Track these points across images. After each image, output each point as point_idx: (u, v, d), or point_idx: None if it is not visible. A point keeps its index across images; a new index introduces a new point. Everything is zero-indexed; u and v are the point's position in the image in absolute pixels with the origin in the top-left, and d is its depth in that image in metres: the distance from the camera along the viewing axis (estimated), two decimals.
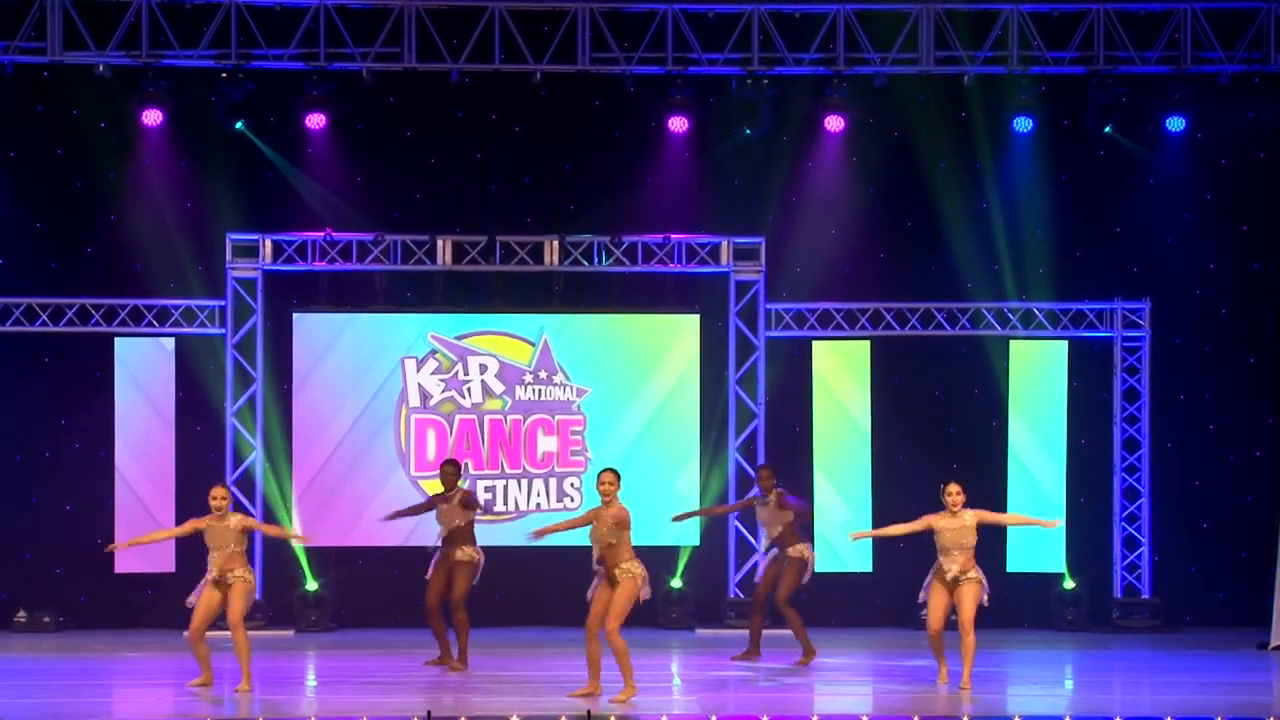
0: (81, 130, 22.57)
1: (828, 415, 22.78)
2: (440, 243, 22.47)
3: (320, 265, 22.47)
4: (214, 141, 22.59)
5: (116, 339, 22.31)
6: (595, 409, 22.70)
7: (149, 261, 22.66)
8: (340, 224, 22.65)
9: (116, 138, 22.64)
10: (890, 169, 23.24)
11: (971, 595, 16.91)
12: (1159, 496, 22.85)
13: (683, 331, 22.84)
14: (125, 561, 22.08)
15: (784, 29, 22.33)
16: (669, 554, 22.39)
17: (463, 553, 18.51)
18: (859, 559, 22.42)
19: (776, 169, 23.10)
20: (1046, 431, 22.74)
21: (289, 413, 22.59)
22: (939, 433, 22.86)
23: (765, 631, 19.47)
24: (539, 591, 22.39)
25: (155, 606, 22.39)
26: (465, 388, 22.66)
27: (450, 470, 18.81)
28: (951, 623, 17.17)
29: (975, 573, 16.94)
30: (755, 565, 22.49)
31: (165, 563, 21.81)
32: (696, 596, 22.77)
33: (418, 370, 22.62)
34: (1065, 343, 22.84)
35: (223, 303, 22.45)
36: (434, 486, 21.91)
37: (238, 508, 19.65)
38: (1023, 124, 22.63)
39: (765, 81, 22.29)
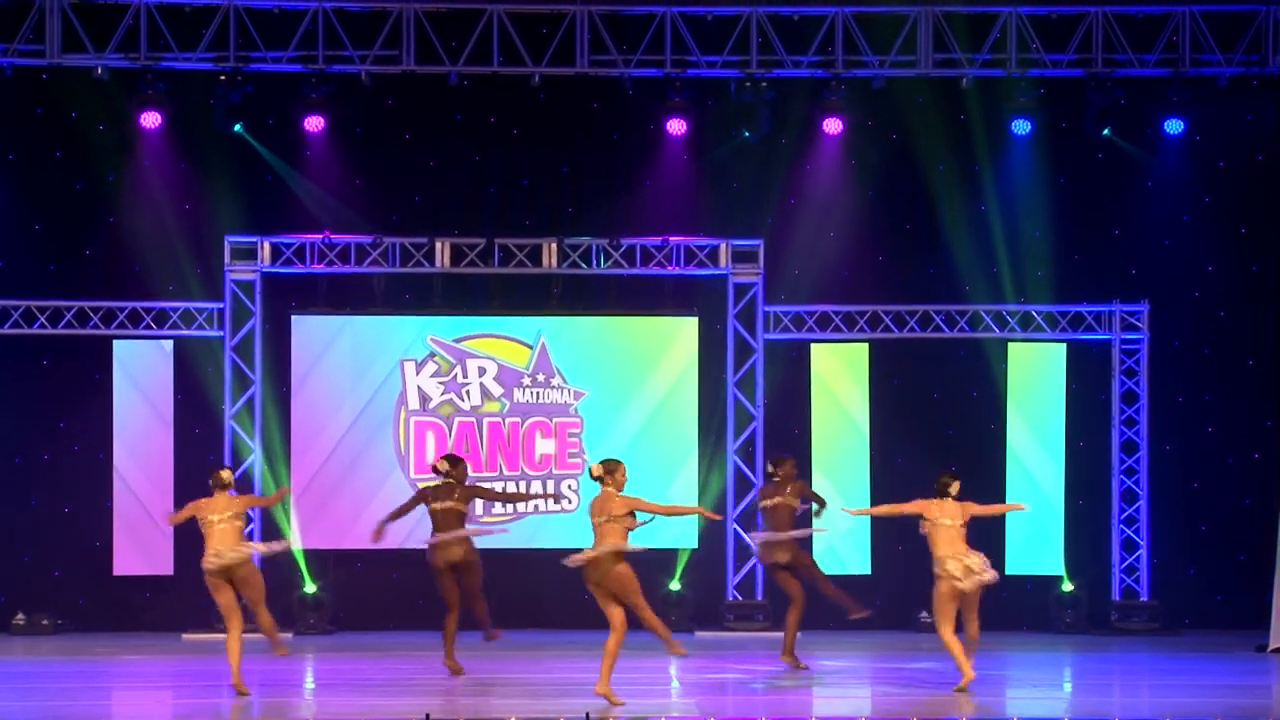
0: (80, 132, 22.57)
1: (826, 418, 22.79)
2: (439, 245, 22.48)
3: (319, 268, 22.48)
4: (213, 144, 22.60)
5: (115, 341, 22.32)
6: (594, 411, 22.71)
7: (148, 264, 22.67)
8: (339, 226, 22.65)
9: (115, 140, 22.64)
10: (889, 171, 23.25)
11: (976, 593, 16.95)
12: (1158, 499, 22.85)
13: (681, 334, 22.86)
14: (124, 564, 22.10)
15: (782, 31, 22.35)
16: (668, 556, 22.39)
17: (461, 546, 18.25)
18: (858, 561, 22.42)
19: (775, 171, 23.11)
20: (1045, 434, 22.75)
21: (287, 415, 22.60)
22: (938, 435, 22.86)
23: (766, 634, 19.41)
24: (538, 594, 22.39)
25: (154, 609, 22.39)
26: (464, 390, 22.67)
27: (444, 466, 18.48)
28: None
29: (977, 561, 16.90)
30: (754, 568, 22.50)
31: (164, 565, 21.81)
32: (695, 599, 22.76)
33: (417, 373, 22.64)
34: (1064, 345, 22.86)
35: (221, 305, 22.46)
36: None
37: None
38: (1021, 126, 22.65)
39: (764, 84, 22.30)
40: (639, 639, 17.02)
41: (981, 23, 22.34)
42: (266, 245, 22.46)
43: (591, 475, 15.97)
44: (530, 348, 22.70)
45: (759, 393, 22.77)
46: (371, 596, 22.67)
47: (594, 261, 22.64)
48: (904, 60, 22.35)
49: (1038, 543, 22.43)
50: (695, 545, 22.62)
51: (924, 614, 22.18)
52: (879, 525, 22.07)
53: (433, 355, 22.67)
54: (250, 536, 19.80)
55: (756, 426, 22.75)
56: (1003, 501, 22.12)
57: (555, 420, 22.68)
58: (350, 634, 22.40)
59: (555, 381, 22.72)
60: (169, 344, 22.40)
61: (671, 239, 22.67)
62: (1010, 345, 22.86)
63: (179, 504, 21.85)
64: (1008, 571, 22.19)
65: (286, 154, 22.84)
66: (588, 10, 22.21)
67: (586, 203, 23.22)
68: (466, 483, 18.25)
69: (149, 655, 20.37)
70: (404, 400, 22.60)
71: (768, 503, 18.92)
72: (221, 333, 22.45)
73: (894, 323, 22.83)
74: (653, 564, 16.24)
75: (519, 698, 16.73)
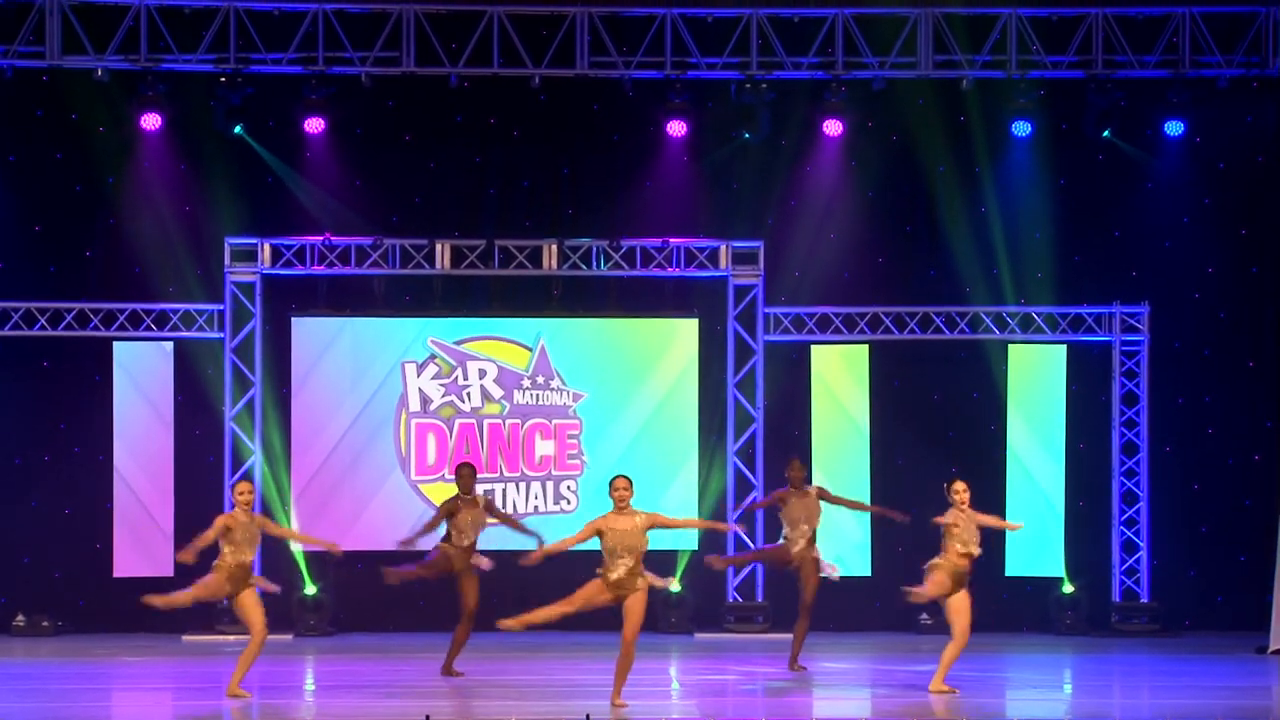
0: (80, 134, 22.56)
1: (827, 419, 22.79)
2: (439, 247, 22.48)
3: (319, 269, 22.48)
4: (213, 145, 22.60)
5: (115, 343, 22.31)
6: (594, 413, 22.71)
7: (148, 265, 22.66)
8: (339, 228, 22.65)
9: (115, 142, 22.63)
10: (889, 173, 23.24)
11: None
12: (1158, 500, 22.85)
13: (681, 335, 22.86)
14: (124, 565, 22.09)
15: (782, 33, 22.35)
16: (667, 558, 22.37)
17: (478, 560, 18.36)
18: (858, 564, 22.41)
19: (775, 173, 23.11)
20: (1045, 435, 22.75)
21: (287, 416, 22.60)
22: (938, 436, 22.85)
23: (766, 636, 19.40)
24: (538, 596, 22.29)
25: (153, 611, 22.27)
26: (465, 392, 22.67)
27: (467, 472, 18.56)
28: (940, 623, 17.18)
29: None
30: (755, 569, 22.49)
31: (164, 567, 21.78)
32: (695, 601, 22.75)
33: (418, 375, 22.64)
34: (1064, 347, 22.86)
35: (221, 307, 22.46)
36: (434, 490, 21.96)
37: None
38: (1021, 128, 22.64)
39: (764, 85, 22.30)
40: (638, 640, 17.00)
41: (981, 24, 22.34)
42: (267, 247, 22.46)
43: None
44: (530, 350, 22.71)
45: (759, 394, 22.76)
46: (372, 598, 22.62)
47: (594, 263, 22.64)
48: (904, 61, 22.35)
49: (1038, 544, 22.41)
50: (695, 547, 22.61)
51: (924, 616, 22.20)
52: (879, 526, 22.05)
53: (433, 357, 22.67)
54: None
55: (756, 428, 22.75)
56: (1005, 506, 22.16)
57: (555, 422, 22.68)
58: (350, 635, 22.40)
59: (555, 383, 22.73)
60: (169, 346, 22.40)
61: (671, 240, 22.67)
62: (1010, 347, 22.86)
63: (179, 506, 21.98)
64: (1008, 573, 22.20)
65: (287, 155, 22.84)
66: (588, 12, 22.21)
67: (586, 204, 23.22)
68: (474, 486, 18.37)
69: (149, 657, 20.37)
70: (405, 402, 22.60)
71: (808, 527, 18.85)
72: (222, 334, 22.45)
73: (894, 324, 22.83)
74: (653, 565, 16.19)
75: (519, 699, 16.73)
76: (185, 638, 21.84)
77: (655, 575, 15.94)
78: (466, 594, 18.28)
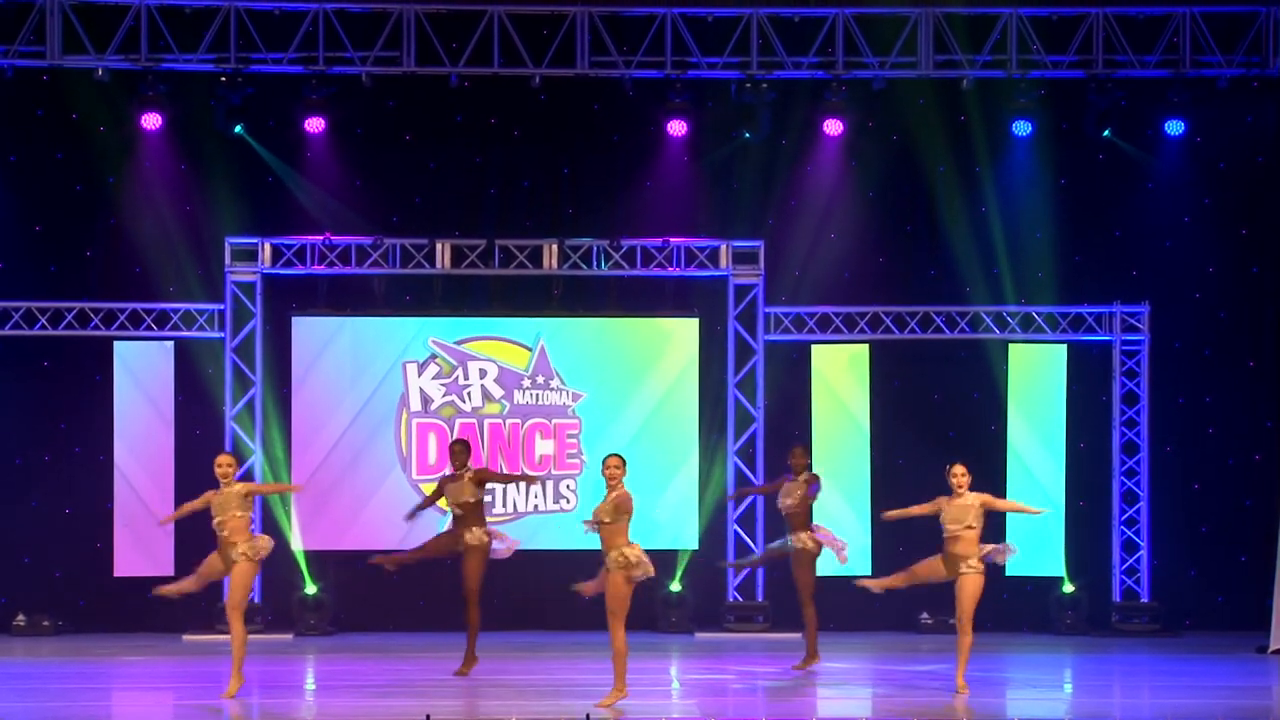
0: (81, 134, 22.57)
1: (827, 419, 22.79)
2: (439, 246, 22.48)
3: (319, 269, 22.48)
4: (213, 145, 22.60)
5: (116, 342, 22.32)
6: (594, 413, 22.71)
7: (148, 265, 22.67)
8: (339, 228, 22.66)
9: (116, 141, 22.63)
10: (889, 173, 23.24)
11: (970, 589, 16.85)
12: (1158, 500, 22.85)
13: (682, 335, 22.86)
14: (125, 565, 22.10)
15: (783, 33, 22.35)
16: (668, 558, 22.38)
17: (472, 535, 18.32)
18: (859, 563, 22.39)
19: (775, 173, 23.11)
20: (1046, 435, 22.75)
21: (288, 415, 22.61)
22: (939, 436, 22.83)
23: (766, 635, 19.40)
24: (538, 595, 22.37)
25: (154, 610, 22.31)
26: (465, 392, 22.68)
27: (460, 449, 18.61)
28: (946, 625, 17.18)
29: (977, 563, 16.88)
30: (755, 569, 22.48)
31: (165, 566, 21.80)
32: (695, 600, 22.76)
33: (419, 375, 22.65)
34: (1064, 346, 22.86)
35: (222, 306, 22.46)
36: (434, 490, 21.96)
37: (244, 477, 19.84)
38: (1022, 127, 22.64)
39: (764, 85, 22.29)
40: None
41: (982, 24, 22.34)
42: (267, 246, 22.47)
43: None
44: (530, 350, 22.71)
45: (759, 394, 22.76)
46: (372, 597, 22.65)
47: (594, 263, 22.64)
48: (904, 61, 22.35)
49: (1038, 544, 22.40)
50: (696, 546, 22.62)
51: (924, 615, 22.21)
52: (879, 526, 22.05)
53: (434, 357, 22.68)
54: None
55: (757, 428, 22.75)
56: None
57: (554, 421, 22.69)
58: (350, 635, 22.39)
59: (554, 383, 22.73)
60: (170, 345, 22.40)
61: (672, 240, 22.67)
62: (1011, 346, 22.86)
63: (180, 504, 21.85)
64: (1008, 573, 22.17)
65: (287, 155, 22.85)
66: (588, 11, 22.21)
67: (587, 204, 23.22)
68: (473, 466, 18.39)
69: (149, 656, 20.38)
70: (406, 402, 22.61)
71: (790, 501, 18.93)
72: (222, 334, 22.46)
73: (895, 324, 22.83)
74: (653, 565, 16.19)
75: (519, 699, 16.73)
76: (185, 637, 21.84)
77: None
78: (463, 577, 18.29)
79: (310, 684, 18.66)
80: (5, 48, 21.83)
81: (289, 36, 22.06)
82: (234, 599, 16.84)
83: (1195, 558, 23.01)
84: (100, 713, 16.46)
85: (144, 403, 22.31)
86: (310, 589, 22.54)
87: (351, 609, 22.76)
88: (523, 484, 22.39)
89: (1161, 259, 23.18)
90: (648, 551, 16.17)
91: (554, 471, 22.68)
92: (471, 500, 18.30)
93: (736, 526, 22.63)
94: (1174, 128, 22.64)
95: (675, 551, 22.56)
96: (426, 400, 22.64)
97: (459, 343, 22.72)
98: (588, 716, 15.02)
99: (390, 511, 22.01)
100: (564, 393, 22.72)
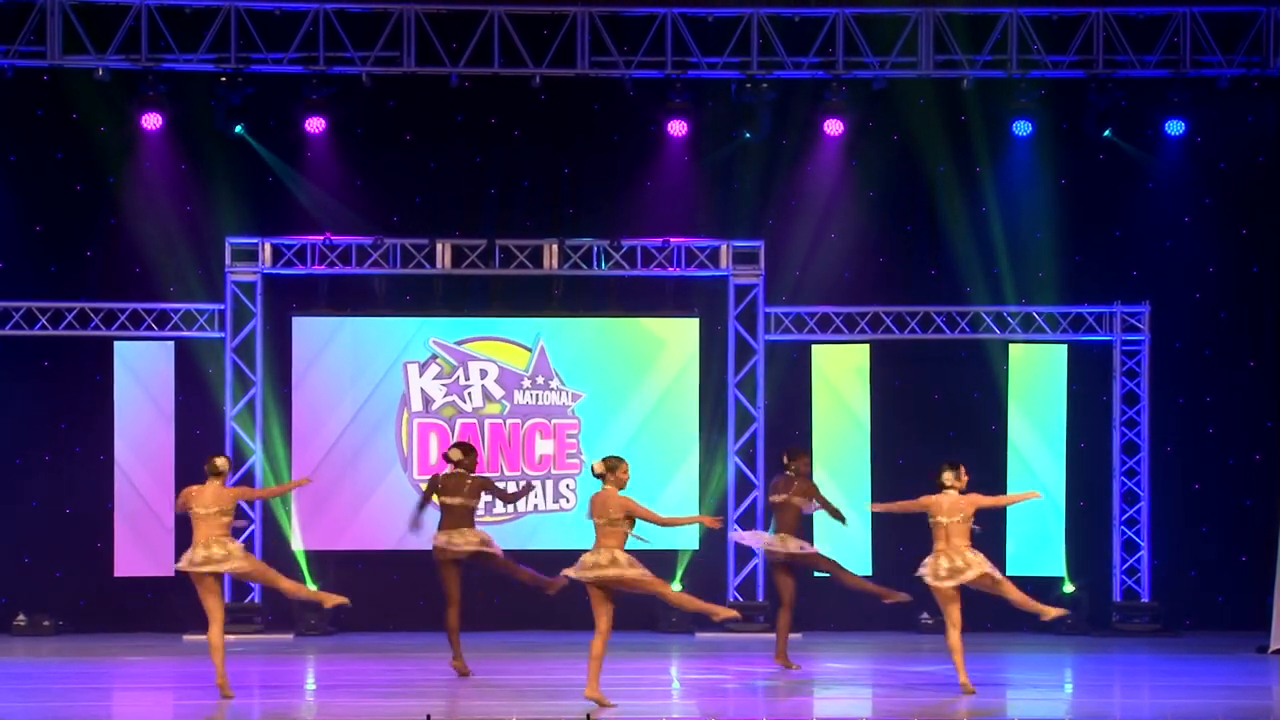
0: (81, 134, 22.57)
1: (827, 419, 22.79)
2: (439, 246, 22.48)
3: (320, 269, 22.49)
4: (213, 145, 22.60)
5: (116, 343, 22.32)
6: (594, 413, 22.72)
7: (149, 265, 22.67)
8: (339, 228, 22.66)
9: (116, 141, 22.64)
10: (889, 173, 23.25)
11: (1000, 577, 16.92)
12: (1158, 500, 22.85)
13: (682, 335, 22.86)
14: (125, 565, 22.11)
15: (783, 33, 22.35)
16: (668, 558, 22.38)
17: (467, 541, 18.25)
18: (859, 564, 22.39)
19: (776, 173, 23.11)
20: (1046, 435, 22.75)
21: (288, 415, 22.61)
22: (939, 436, 22.82)
23: (767, 635, 19.39)
24: (538, 596, 22.35)
25: (155, 610, 22.39)
26: (466, 392, 22.69)
27: (468, 450, 18.33)
28: (941, 623, 17.18)
29: (974, 553, 16.87)
30: (755, 569, 22.51)
31: (165, 566, 21.78)
32: None
33: (420, 375, 22.65)
34: (1065, 346, 22.86)
35: (222, 306, 22.47)
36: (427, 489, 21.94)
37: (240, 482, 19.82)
38: (1022, 127, 22.64)
39: (764, 85, 22.29)
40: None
41: (982, 24, 22.34)
42: (267, 246, 22.47)
43: (593, 472, 15.94)
44: (530, 350, 22.72)
45: (760, 394, 22.77)
46: (372, 598, 22.64)
47: (595, 263, 22.65)
48: (905, 61, 22.35)
49: (1039, 544, 22.42)
50: (696, 547, 22.62)
51: (925, 615, 22.20)
52: (879, 526, 22.06)
53: (435, 357, 22.69)
54: (241, 534, 19.80)
55: (757, 428, 22.76)
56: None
57: (554, 421, 22.70)
58: (351, 635, 22.39)
59: (554, 384, 22.74)
60: (170, 345, 22.41)
61: (672, 240, 22.68)
62: (1011, 346, 22.86)
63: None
64: (1008, 572, 22.12)
65: (287, 155, 22.85)
66: (588, 11, 22.21)
67: (587, 204, 23.22)
68: (477, 473, 18.31)
69: (150, 656, 20.38)
70: (407, 402, 22.62)
71: (777, 498, 18.90)
72: (222, 334, 22.46)
73: (895, 324, 22.83)
74: (654, 565, 16.19)
75: (519, 698, 16.72)
76: (185, 637, 21.81)
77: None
78: (448, 583, 18.22)
79: (310, 684, 18.66)
80: (5, 48, 21.83)
81: (289, 36, 22.07)
82: (273, 579, 16.90)
83: (1195, 558, 23.01)
84: (100, 713, 16.46)
85: (144, 402, 22.31)
86: (310, 588, 22.51)
87: (351, 609, 22.69)
88: (521, 485, 22.41)
89: (1162, 259, 23.18)
90: (648, 551, 16.16)
91: (553, 471, 22.69)
92: (472, 504, 18.29)
93: (737, 526, 22.61)
94: (1174, 128, 22.64)
95: (675, 552, 22.56)
96: (428, 400, 22.65)
97: (459, 343, 22.72)
98: (588, 716, 15.02)
99: (390, 511, 22.04)
100: (564, 393, 22.73)
